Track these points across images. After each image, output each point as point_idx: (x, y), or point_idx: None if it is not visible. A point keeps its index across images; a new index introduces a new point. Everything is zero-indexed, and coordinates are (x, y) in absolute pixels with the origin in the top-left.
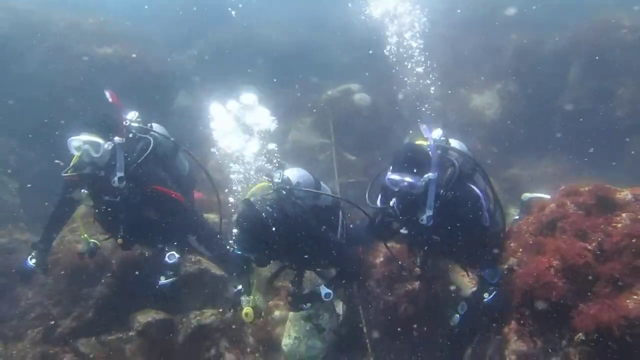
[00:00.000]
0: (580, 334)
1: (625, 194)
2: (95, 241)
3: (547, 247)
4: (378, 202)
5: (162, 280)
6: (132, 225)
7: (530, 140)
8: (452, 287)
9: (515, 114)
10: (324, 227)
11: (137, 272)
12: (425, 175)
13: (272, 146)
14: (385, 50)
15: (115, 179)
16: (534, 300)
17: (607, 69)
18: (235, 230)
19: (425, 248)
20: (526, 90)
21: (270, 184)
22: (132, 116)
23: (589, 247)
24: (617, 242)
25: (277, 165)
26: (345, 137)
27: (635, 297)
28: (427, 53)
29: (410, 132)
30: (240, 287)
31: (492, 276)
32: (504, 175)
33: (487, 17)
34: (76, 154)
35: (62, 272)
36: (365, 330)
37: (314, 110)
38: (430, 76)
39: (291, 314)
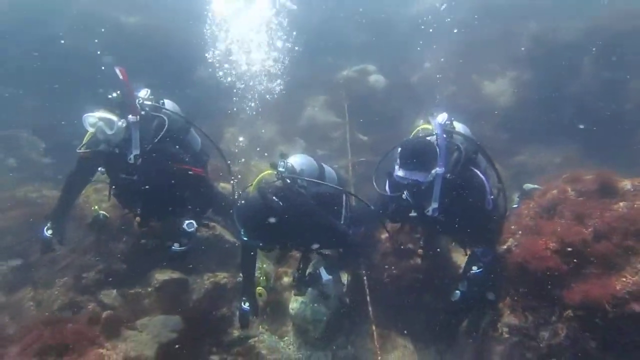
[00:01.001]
0: (570, 310)
1: (624, 184)
2: (105, 213)
3: (545, 230)
4: (387, 189)
5: (176, 247)
6: (150, 203)
7: (540, 129)
8: (452, 266)
9: (527, 102)
10: (328, 213)
11: (143, 241)
12: (433, 171)
13: None
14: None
15: (131, 156)
16: (528, 273)
17: (621, 60)
18: (239, 212)
19: (431, 229)
20: (539, 78)
21: (275, 173)
22: (144, 94)
23: (586, 230)
24: (610, 224)
25: (280, 154)
26: (358, 117)
27: (623, 279)
28: (444, 38)
29: (422, 121)
30: (247, 305)
31: (484, 254)
32: (511, 162)
33: (507, 3)
34: (90, 130)
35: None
36: (368, 299)
37: (330, 90)
38: (444, 60)
39: None
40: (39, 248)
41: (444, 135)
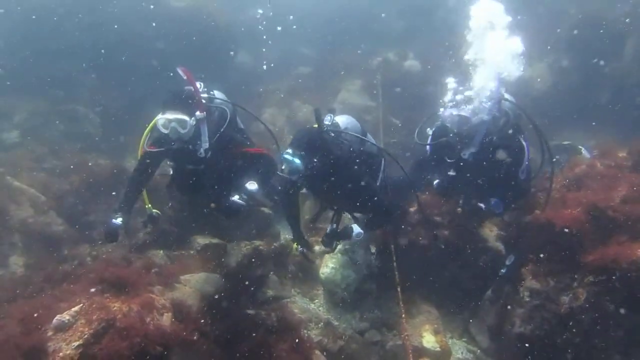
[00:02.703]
0: (590, 276)
1: None
2: (157, 211)
3: (571, 200)
4: (429, 140)
5: (235, 198)
6: (216, 188)
7: (576, 113)
8: (478, 239)
9: (564, 87)
10: (366, 173)
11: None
12: (479, 115)
13: None
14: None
15: (202, 150)
16: (552, 234)
17: None
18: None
19: (467, 191)
20: (577, 63)
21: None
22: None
23: (612, 195)
24: (637, 189)
25: (329, 109)
26: (392, 101)
27: None
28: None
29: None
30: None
31: (498, 206)
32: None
33: None
34: (164, 131)
35: None
36: (395, 264)
37: (365, 74)
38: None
39: None
40: (105, 235)
41: (499, 92)
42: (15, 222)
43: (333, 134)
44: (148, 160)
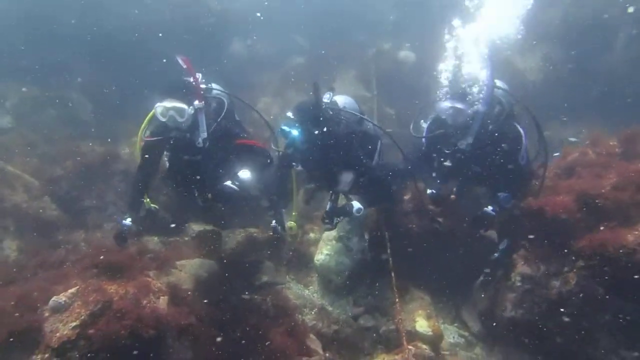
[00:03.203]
0: (581, 260)
1: None
2: (156, 206)
3: (563, 188)
4: (424, 133)
5: (229, 184)
6: (212, 180)
7: (568, 105)
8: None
9: (556, 79)
10: (362, 151)
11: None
12: (475, 107)
13: None
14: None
15: (200, 140)
16: (543, 220)
17: None
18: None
19: (462, 178)
20: (569, 55)
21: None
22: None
23: (603, 182)
24: (627, 177)
25: (330, 87)
26: (387, 91)
27: (636, 232)
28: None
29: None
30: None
31: (506, 200)
32: (536, 136)
33: None
34: (162, 119)
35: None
36: (389, 250)
37: (360, 65)
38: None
39: (324, 234)
40: (115, 238)
41: (492, 80)
42: (9, 206)
43: (332, 112)
44: (147, 155)
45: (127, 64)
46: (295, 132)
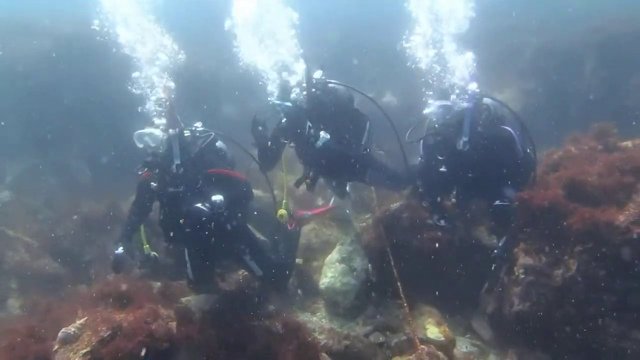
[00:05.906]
0: (579, 246)
1: (626, 143)
2: (155, 253)
3: (552, 180)
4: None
5: (199, 206)
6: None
7: (550, 130)
8: (472, 237)
9: (535, 108)
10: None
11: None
12: (460, 103)
13: None
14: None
15: (174, 165)
16: (533, 210)
17: (619, 59)
18: None
19: (460, 186)
20: (545, 85)
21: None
22: (199, 125)
23: (588, 170)
24: (611, 163)
25: (321, 65)
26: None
27: (627, 212)
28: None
29: None
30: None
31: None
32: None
33: (510, 27)
34: (139, 145)
35: None
36: (392, 262)
37: None
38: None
39: (327, 259)
40: (113, 266)
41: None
42: (11, 266)
43: (321, 90)
44: (141, 189)
45: (121, 126)
46: (288, 104)
